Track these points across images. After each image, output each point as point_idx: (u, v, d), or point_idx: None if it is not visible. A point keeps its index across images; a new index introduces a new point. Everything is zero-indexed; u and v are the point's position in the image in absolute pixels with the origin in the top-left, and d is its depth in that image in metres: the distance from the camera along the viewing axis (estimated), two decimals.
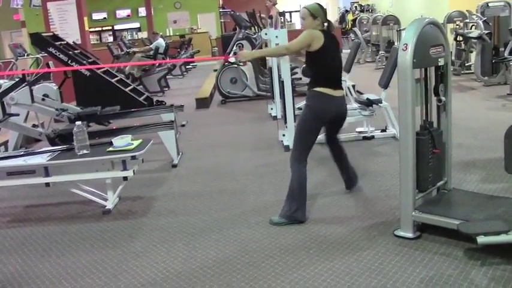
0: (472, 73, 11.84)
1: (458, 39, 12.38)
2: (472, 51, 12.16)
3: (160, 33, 17.25)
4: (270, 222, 4.60)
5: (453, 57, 12.42)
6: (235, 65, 11.21)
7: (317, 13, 4.62)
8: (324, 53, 4.55)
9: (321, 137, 7.03)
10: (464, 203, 4.32)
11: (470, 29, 12.26)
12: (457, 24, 12.98)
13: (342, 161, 5.17)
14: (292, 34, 5.86)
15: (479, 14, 11.90)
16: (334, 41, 4.71)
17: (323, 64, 4.60)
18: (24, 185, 5.41)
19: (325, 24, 4.70)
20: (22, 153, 5.56)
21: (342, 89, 4.74)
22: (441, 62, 4.09)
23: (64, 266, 4.13)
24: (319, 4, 4.70)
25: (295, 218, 4.55)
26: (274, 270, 3.78)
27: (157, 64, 14.21)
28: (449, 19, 13.11)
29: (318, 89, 4.59)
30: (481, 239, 3.55)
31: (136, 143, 5.25)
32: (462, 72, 12.40)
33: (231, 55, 11.15)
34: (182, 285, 3.67)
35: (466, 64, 12.54)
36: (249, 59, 4.87)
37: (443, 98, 4.26)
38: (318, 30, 4.59)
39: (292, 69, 8.61)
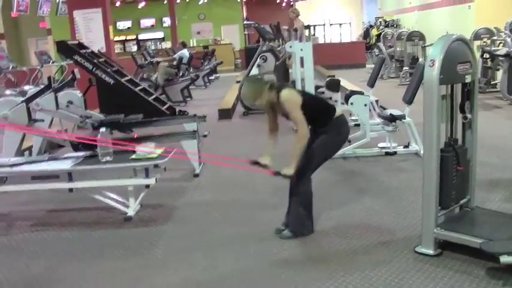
0: (498, 91, 11.72)
1: (484, 56, 12.26)
2: (498, 69, 12.03)
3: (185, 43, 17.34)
4: (280, 236, 4.57)
5: (479, 75, 12.31)
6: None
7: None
8: (312, 101, 4.56)
9: (343, 151, 7.06)
10: (487, 222, 4.29)
11: (498, 46, 12.16)
12: (484, 42, 12.88)
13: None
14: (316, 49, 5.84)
15: (507, 32, 11.80)
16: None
17: (316, 108, 4.57)
18: (47, 189, 5.46)
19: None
20: (46, 158, 5.62)
21: None
22: (468, 79, 4.06)
23: (85, 271, 4.17)
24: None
25: (305, 233, 4.57)
26: (293, 282, 3.77)
27: (180, 74, 14.29)
28: (476, 36, 13.00)
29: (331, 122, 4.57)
30: (504, 259, 3.51)
31: (159, 151, 5.28)
32: (487, 90, 12.27)
33: (254, 68, 11.18)
34: None
35: (492, 82, 12.41)
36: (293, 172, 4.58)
37: (469, 115, 4.23)
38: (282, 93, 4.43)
39: (316, 88, 8.62)
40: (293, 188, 4.58)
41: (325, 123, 4.53)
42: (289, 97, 4.39)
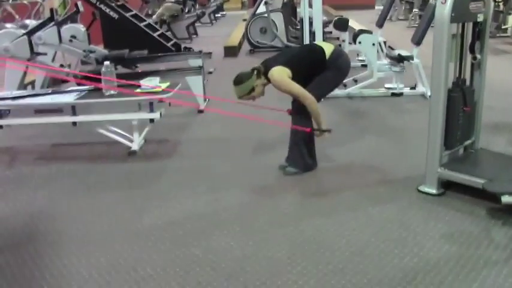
0: (508, 36, 11.58)
1: (496, 0, 12.07)
2: (510, 14, 11.85)
3: None
4: (284, 173, 4.59)
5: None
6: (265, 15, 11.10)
7: (250, 75, 4.48)
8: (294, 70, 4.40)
9: (349, 90, 7.03)
10: (490, 163, 4.30)
11: None
12: None
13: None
14: None
15: None
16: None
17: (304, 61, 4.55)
18: (51, 123, 5.48)
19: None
20: (50, 91, 5.58)
21: None
22: (480, 18, 3.98)
23: (89, 203, 4.20)
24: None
25: (310, 165, 4.59)
26: (297, 215, 3.81)
27: (186, 10, 14.09)
28: None
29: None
30: (506, 199, 3.53)
31: (164, 85, 5.24)
32: (498, 34, 12.11)
33: (261, 5, 11.02)
34: (205, 226, 3.71)
35: (503, 27, 12.23)
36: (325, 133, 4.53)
37: (478, 56, 4.16)
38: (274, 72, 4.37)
39: (324, 23, 8.51)
40: (293, 122, 4.54)
41: (322, 70, 4.47)
42: (279, 78, 4.30)
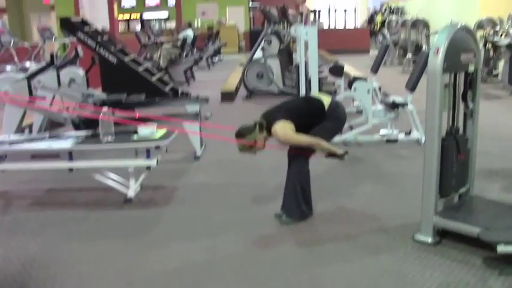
0: (499, 81, 11.71)
1: (487, 46, 12.26)
2: (500, 59, 12.02)
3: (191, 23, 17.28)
4: (280, 222, 4.56)
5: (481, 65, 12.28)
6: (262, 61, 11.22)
7: (254, 129, 4.43)
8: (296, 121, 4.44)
9: (344, 136, 7.06)
10: (485, 211, 4.30)
11: (500, 36, 12.14)
12: (487, 32, 12.85)
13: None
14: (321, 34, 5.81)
15: (510, 22, 11.77)
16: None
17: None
18: (47, 169, 5.47)
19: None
20: (47, 136, 5.61)
21: None
22: (471, 68, 4.06)
23: (84, 251, 4.18)
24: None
25: (306, 214, 4.58)
26: (293, 266, 3.79)
27: (184, 55, 14.23)
28: (479, 25, 13.00)
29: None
30: (501, 248, 3.53)
31: (161, 132, 5.27)
32: (489, 80, 12.27)
33: (258, 51, 11.14)
34: (201, 276, 3.70)
35: (494, 72, 12.41)
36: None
37: (470, 105, 4.23)
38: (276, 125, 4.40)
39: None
40: (290, 168, 4.55)
41: (321, 120, 4.53)
42: (283, 132, 4.31)
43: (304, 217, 4.57)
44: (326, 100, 4.58)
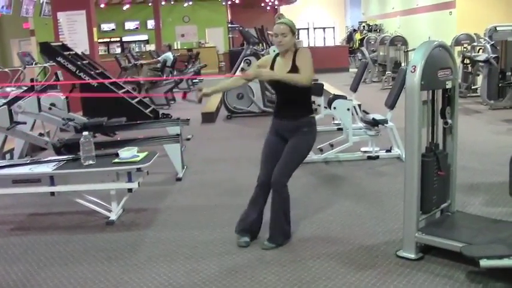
0: (478, 96, 11.86)
1: (465, 62, 12.42)
2: (478, 75, 12.19)
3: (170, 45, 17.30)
4: (263, 247, 4.47)
5: (460, 80, 12.44)
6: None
7: (295, 29, 4.45)
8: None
9: (325, 154, 7.09)
10: (467, 226, 4.33)
11: (478, 52, 12.30)
12: (464, 47, 13.04)
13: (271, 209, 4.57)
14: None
15: (487, 38, 11.95)
16: None
17: (310, 89, 4.51)
18: (29, 193, 5.42)
19: None
20: (28, 161, 5.58)
21: (281, 118, 4.54)
22: (449, 85, 4.11)
23: (66, 275, 4.14)
24: None
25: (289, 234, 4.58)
26: (275, 286, 3.78)
27: (164, 77, 14.23)
28: (457, 42, 13.17)
29: (313, 115, 4.54)
30: (484, 263, 3.55)
31: (142, 155, 5.27)
32: (468, 95, 12.43)
33: (237, 72, 11.18)
34: None
35: (473, 87, 12.57)
36: (267, 79, 4.68)
37: (449, 121, 4.27)
38: (273, 54, 4.54)
39: None
40: (274, 198, 4.48)
41: (307, 112, 4.46)
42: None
43: (288, 236, 4.56)
44: None
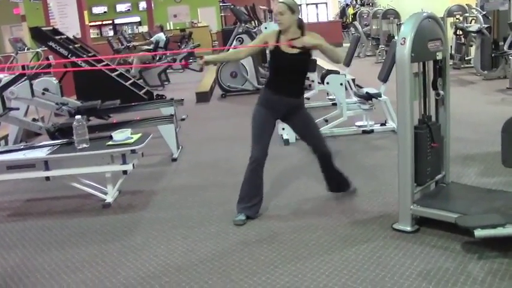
0: (472, 67, 11.85)
1: (458, 33, 12.38)
2: (471, 45, 12.16)
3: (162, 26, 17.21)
4: (234, 222, 4.57)
5: (453, 51, 12.43)
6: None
7: (296, 8, 4.46)
8: (274, 55, 4.52)
9: (322, 129, 7.06)
10: (462, 197, 4.35)
11: (470, 23, 12.26)
12: (457, 18, 12.98)
13: (327, 171, 4.90)
14: None
15: (478, 8, 11.91)
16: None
17: (272, 66, 4.58)
18: (24, 179, 5.43)
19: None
20: (22, 147, 5.57)
21: (288, 96, 4.58)
22: (439, 56, 4.10)
23: (64, 259, 4.15)
24: None
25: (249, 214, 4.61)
26: (273, 263, 3.80)
27: (157, 58, 14.17)
28: (449, 13, 13.12)
29: (264, 87, 4.69)
30: (479, 232, 3.56)
31: (135, 137, 5.27)
32: (462, 66, 12.42)
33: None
34: (182, 279, 3.69)
35: (466, 58, 12.55)
36: (210, 64, 4.85)
37: (441, 92, 4.27)
38: (277, 30, 4.53)
39: None
40: (330, 155, 4.82)
41: (303, 90, 4.71)
42: (264, 35, 4.67)
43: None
44: None
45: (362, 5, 24.89)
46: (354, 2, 27.24)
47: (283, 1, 4.43)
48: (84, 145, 5.14)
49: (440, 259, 3.64)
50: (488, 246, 3.69)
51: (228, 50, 11.17)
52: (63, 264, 4.06)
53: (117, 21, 28.28)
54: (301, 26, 4.51)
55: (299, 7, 4.58)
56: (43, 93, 7.56)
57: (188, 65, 11.70)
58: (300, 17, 4.55)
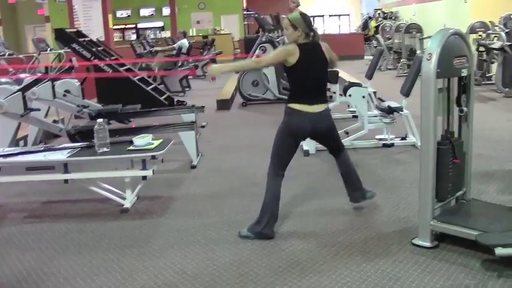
0: (493, 84, 11.75)
1: (480, 49, 12.31)
2: (493, 62, 12.09)
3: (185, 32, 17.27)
4: (238, 235, 4.51)
5: (474, 68, 12.33)
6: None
7: (298, 23, 4.38)
8: (299, 68, 4.38)
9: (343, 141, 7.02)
10: (482, 214, 4.31)
11: (493, 40, 12.18)
12: (479, 35, 12.91)
13: (346, 175, 4.92)
14: None
15: (501, 26, 11.83)
16: (315, 53, 4.50)
17: (297, 79, 4.47)
18: (42, 180, 5.44)
19: (310, 34, 4.46)
20: (42, 148, 5.59)
21: (322, 103, 4.51)
22: (464, 73, 4.07)
23: (80, 264, 4.15)
24: (302, 13, 4.48)
25: (264, 235, 4.43)
26: (291, 274, 3.78)
27: (179, 64, 14.20)
28: (472, 29, 13.04)
29: (291, 105, 4.45)
30: (499, 251, 3.53)
31: (156, 142, 5.27)
32: (483, 82, 12.31)
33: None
34: (199, 287, 3.68)
35: (487, 75, 12.47)
36: (218, 74, 4.81)
37: (465, 109, 4.24)
38: (295, 43, 4.40)
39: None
40: (348, 155, 5.00)
41: (288, 100, 4.61)
42: (286, 49, 4.48)
43: (264, 237, 4.45)
44: None
45: (385, 18, 24.78)
46: (377, 15, 27.15)
47: (287, 16, 4.48)
48: (105, 149, 5.15)
49: (459, 276, 3.60)
50: (509, 264, 3.64)
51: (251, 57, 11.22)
52: (79, 269, 4.05)
53: (140, 25, 28.43)
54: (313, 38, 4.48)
55: (311, 19, 4.53)
56: (64, 95, 7.59)
57: (195, 74, 11.66)
58: (314, 27, 4.52)
